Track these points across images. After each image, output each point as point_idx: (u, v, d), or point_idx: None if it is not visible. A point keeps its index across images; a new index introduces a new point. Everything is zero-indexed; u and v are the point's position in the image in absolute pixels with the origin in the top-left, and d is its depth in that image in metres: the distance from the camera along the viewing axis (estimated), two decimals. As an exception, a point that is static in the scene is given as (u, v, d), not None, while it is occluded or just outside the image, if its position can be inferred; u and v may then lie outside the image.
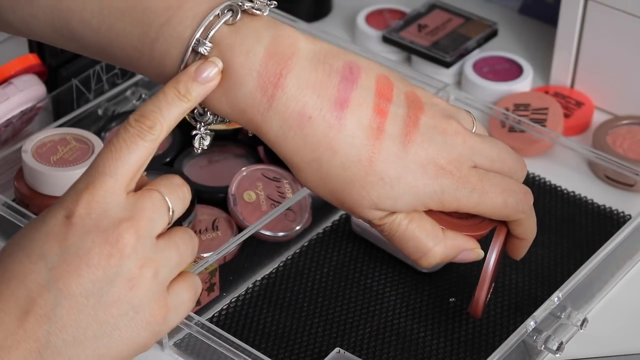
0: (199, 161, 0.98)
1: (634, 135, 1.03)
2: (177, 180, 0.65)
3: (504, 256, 0.77)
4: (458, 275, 0.90)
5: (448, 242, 0.71)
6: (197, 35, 0.66)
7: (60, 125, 0.96)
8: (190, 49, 0.67)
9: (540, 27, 1.19)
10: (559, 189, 0.99)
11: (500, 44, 1.15)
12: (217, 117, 0.69)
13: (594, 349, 0.85)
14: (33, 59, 1.00)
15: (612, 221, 0.96)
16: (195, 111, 0.69)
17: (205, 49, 0.66)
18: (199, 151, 0.71)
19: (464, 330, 0.86)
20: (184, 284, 0.64)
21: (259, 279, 0.90)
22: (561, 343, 0.81)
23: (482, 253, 0.74)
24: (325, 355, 0.82)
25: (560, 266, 0.91)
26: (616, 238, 0.87)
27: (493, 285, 0.79)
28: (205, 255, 0.88)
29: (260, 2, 0.68)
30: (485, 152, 0.71)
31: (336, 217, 0.95)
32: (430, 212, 0.71)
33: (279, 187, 0.94)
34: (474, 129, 0.72)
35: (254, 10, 0.67)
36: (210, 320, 0.86)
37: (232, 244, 0.87)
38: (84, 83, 1.01)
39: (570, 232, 0.94)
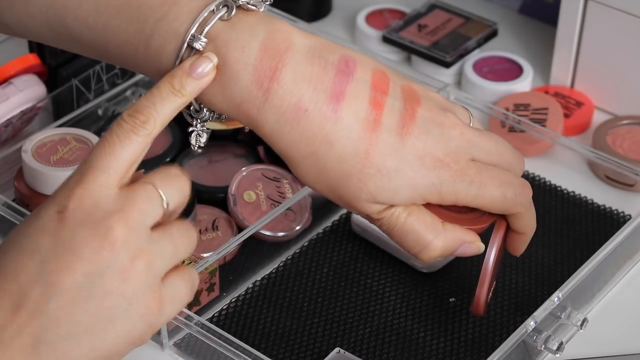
0: (199, 161, 0.98)
1: (634, 135, 1.03)
2: (173, 170, 0.64)
3: (504, 253, 0.77)
4: (458, 275, 0.90)
5: (448, 234, 0.71)
6: (192, 31, 0.67)
7: (60, 125, 0.96)
8: (186, 44, 0.67)
9: (540, 27, 1.19)
10: (559, 189, 0.99)
11: (500, 44, 1.15)
12: (214, 113, 0.69)
13: (594, 349, 0.85)
14: (33, 59, 1.00)
15: (612, 221, 0.96)
16: (191, 107, 0.69)
17: (201, 44, 0.67)
18: (196, 148, 0.71)
19: (464, 330, 0.86)
20: (179, 276, 0.64)
21: (259, 279, 0.90)
22: (561, 343, 0.81)
23: (482, 246, 0.73)
24: (325, 355, 0.82)
25: (560, 266, 0.91)
26: (616, 238, 0.87)
27: (494, 282, 0.78)
28: (205, 255, 0.88)
29: None
30: (483, 146, 0.71)
31: (336, 217, 0.95)
32: (429, 206, 0.71)
33: (279, 187, 0.94)
34: (471, 124, 0.72)
35: (249, 6, 0.68)
36: (210, 320, 0.86)
37: (232, 244, 0.87)
38: (84, 83, 1.01)
39: (570, 232, 0.94)
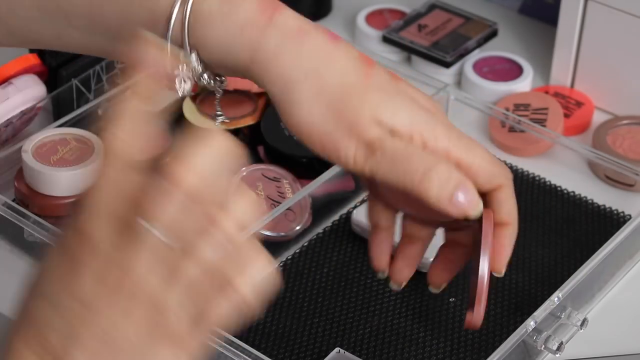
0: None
1: (634, 135, 1.03)
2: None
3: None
4: (458, 275, 0.90)
5: (451, 166, 0.71)
6: None
7: (60, 125, 0.96)
8: None
9: (540, 27, 1.19)
10: (559, 189, 0.99)
11: (500, 44, 1.15)
12: (202, 65, 0.70)
13: (594, 349, 0.85)
14: (33, 59, 1.00)
15: (612, 221, 0.96)
16: (183, 56, 0.70)
17: None
18: (180, 94, 0.70)
19: (464, 330, 0.86)
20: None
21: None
22: (561, 343, 0.81)
23: (480, 201, 0.72)
24: (325, 355, 0.82)
25: (560, 266, 0.91)
26: (616, 238, 0.87)
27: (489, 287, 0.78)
28: (205, 255, 0.87)
29: None
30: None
31: (336, 217, 0.95)
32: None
33: (279, 187, 0.94)
34: None
35: None
36: (210, 320, 0.86)
37: (232, 244, 0.87)
38: (84, 83, 1.01)
39: (570, 232, 0.94)
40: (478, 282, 0.74)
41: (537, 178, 1.00)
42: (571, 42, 1.06)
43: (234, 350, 0.79)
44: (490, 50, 1.13)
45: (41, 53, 1.01)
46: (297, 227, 0.92)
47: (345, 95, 0.69)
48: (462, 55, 1.11)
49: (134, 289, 0.53)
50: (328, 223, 0.95)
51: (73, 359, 0.54)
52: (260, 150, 0.98)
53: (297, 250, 0.92)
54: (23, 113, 0.98)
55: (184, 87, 0.70)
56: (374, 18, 1.17)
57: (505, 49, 1.14)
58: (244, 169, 0.94)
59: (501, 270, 0.75)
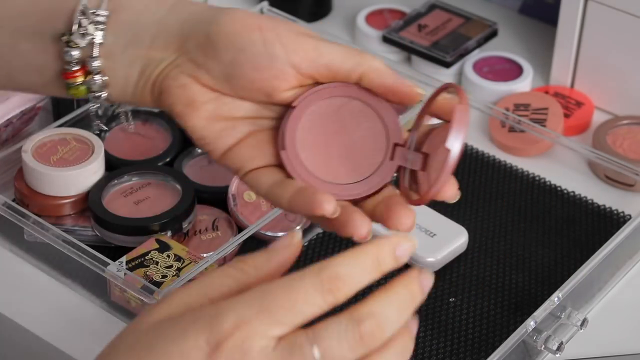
0: (199, 161, 0.98)
1: (634, 135, 1.03)
2: (354, 335, 0.56)
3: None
4: (458, 275, 0.90)
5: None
6: None
7: (60, 125, 0.96)
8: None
9: (540, 27, 1.19)
10: (559, 189, 0.99)
11: (500, 44, 1.15)
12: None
13: (594, 349, 0.85)
14: (33, 59, 1.00)
15: (612, 221, 0.96)
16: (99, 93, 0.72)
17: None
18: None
19: (464, 330, 0.86)
20: None
21: (259, 279, 0.90)
22: (561, 343, 0.81)
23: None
24: (325, 355, 0.82)
25: (560, 266, 0.91)
26: (616, 238, 0.87)
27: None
28: (205, 255, 0.88)
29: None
30: None
31: (336, 217, 0.95)
32: None
33: (279, 187, 0.94)
34: None
35: None
36: (210, 320, 0.86)
37: (232, 244, 0.87)
38: (84, 83, 1.01)
39: (570, 232, 0.94)
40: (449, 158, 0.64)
41: (537, 178, 1.00)
42: (571, 42, 1.06)
43: (234, 350, 0.79)
44: (490, 50, 1.13)
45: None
46: (297, 227, 0.92)
47: None
48: (462, 55, 1.11)
49: None
50: (328, 223, 0.95)
51: None
52: (260, 150, 0.98)
53: (297, 250, 0.92)
54: (23, 113, 0.98)
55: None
56: (374, 18, 1.17)
57: (505, 49, 1.14)
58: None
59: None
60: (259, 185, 0.69)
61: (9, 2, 0.74)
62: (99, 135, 0.95)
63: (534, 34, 1.18)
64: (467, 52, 1.11)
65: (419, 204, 0.67)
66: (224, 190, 0.93)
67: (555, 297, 0.82)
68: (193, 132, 0.70)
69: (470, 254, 0.92)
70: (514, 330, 0.81)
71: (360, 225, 0.66)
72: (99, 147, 0.93)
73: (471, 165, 1.01)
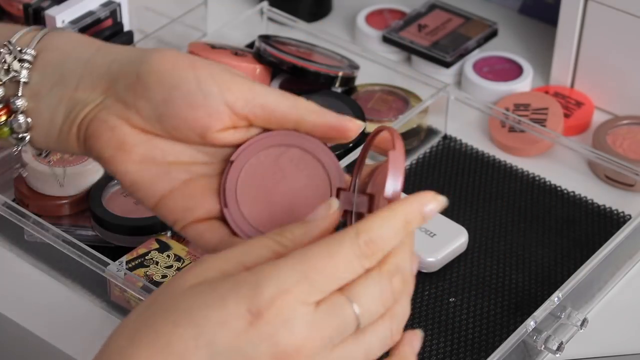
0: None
1: (634, 135, 1.03)
2: (391, 285, 0.59)
3: None
4: (458, 275, 0.90)
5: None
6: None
7: (60, 125, 0.96)
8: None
9: (540, 27, 1.19)
10: (559, 189, 0.99)
11: (500, 44, 1.15)
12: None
13: (594, 349, 0.85)
14: (33, 59, 0.99)
15: (612, 221, 0.96)
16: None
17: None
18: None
19: (464, 330, 0.86)
20: None
21: (259, 279, 0.89)
22: (561, 343, 0.81)
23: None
24: (325, 355, 0.82)
25: (560, 266, 0.91)
26: (616, 238, 0.87)
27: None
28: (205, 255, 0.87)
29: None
30: None
31: (336, 217, 0.95)
32: None
33: (279, 187, 0.94)
34: None
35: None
36: (210, 320, 0.86)
37: (232, 244, 0.87)
38: (84, 83, 1.01)
39: (570, 232, 0.94)
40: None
41: (537, 178, 1.00)
42: (571, 42, 1.06)
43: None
44: (490, 50, 1.13)
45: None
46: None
47: None
48: (462, 55, 1.11)
49: None
50: (328, 223, 0.95)
51: None
52: (260, 150, 0.98)
53: (297, 250, 0.92)
54: (23, 113, 0.98)
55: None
56: (374, 18, 1.17)
57: (505, 49, 1.14)
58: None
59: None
60: (205, 241, 0.67)
61: None
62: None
63: (534, 34, 1.18)
64: (467, 52, 1.11)
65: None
66: (224, 190, 0.93)
67: (555, 297, 0.82)
68: (124, 177, 0.67)
69: (470, 254, 0.92)
70: (514, 330, 0.81)
71: None
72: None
73: (471, 165, 1.01)
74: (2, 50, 0.70)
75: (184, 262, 0.86)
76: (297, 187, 0.67)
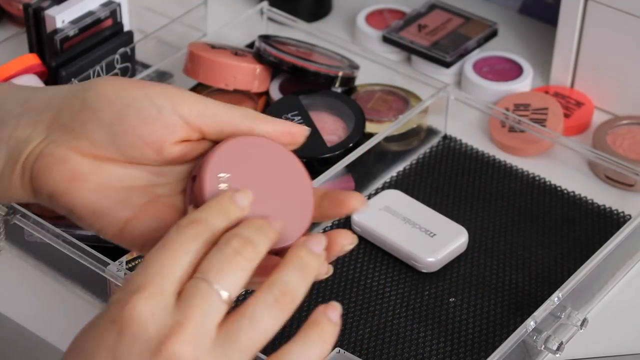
0: (199, 161, 0.98)
1: (634, 135, 1.03)
2: (231, 247, 0.60)
3: None
4: (458, 275, 0.90)
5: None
6: None
7: (60, 125, 0.96)
8: None
9: (540, 27, 1.19)
10: (559, 189, 0.99)
11: (500, 44, 1.15)
12: None
13: (594, 349, 0.85)
14: (33, 59, 1.00)
15: (612, 221, 0.96)
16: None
17: None
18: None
19: (464, 330, 0.86)
20: None
21: (259, 279, 0.90)
22: (561, 343, 0.81)
23: None
24: (325, 355, 0.82)
25: (560, 266, 0.91)
26: (616, 238, 0.87)
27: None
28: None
29: None
30: None
31: (336, 217, 0.95)
32: None
33: (279, 187, 0.94)
34: None
35: None
36: (210, 320, 0.86)
37: (232, 244, 0.87)
38: (84, 83, 1.01)
39: (570, 232, 0.94)
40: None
41: (537, 178, 1.00)
42: (571, 42, 1.06)
43: (234, 350, 0.79)
44: (490, 50, 1.13)
45: (41, 53, 1.01)
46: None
47: None
48: (462, 55, 1.11)
49: None
50: (328, 223, 0.95)
51: None
52: (260, 150, 0.98)
53: (297, 250, 0.92)
54: (23, 113, 0.98)
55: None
56: (374, 18, 1.17)
57: (505, 49, 1.14)
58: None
59: None
60: None
61: None
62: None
63: (534, 34, 1.18)
64: (467, 52, 1.11)
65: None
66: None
67: (555, 297, 0.82)
68: (84, 208, 0.66)
69: (470, 254, 0.92)
70: (514, 330, 0.81)
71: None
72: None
73: (471, 165, 1.01)
74: None
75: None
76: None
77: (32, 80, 0.98)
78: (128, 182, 0.67)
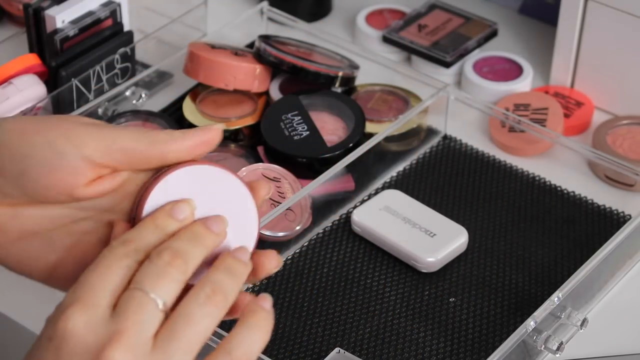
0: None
1: (634, 135, 1.03)
2: (163, 260, 0.61)
3: None
4: (458, 275, 0.90)
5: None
6: None
7: (60, 125, 0.96)
8: None
9: (540, 27, 1.19)
10: (559, 189, 0.99)
11: (500, 44, 1.15)
12: None
13: (594, 349, 0.85)
14: (33, 59, 1.00)
15: (612, 221, 0.96)
16: None
17: None
18: None
19: (464, 330, 0.86)
20: None
21: (259, 279, 0.90)
22: (561, 343, 0.81)
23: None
24: (325, 355, 0.82)
25: (560, 266, 0.91)
26: (616, 238, 0.87)
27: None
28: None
29: None
30: None
31: (336, 217, 0.95)
32: None
33: (279, 187, 0.94)
34: None
35: None
36: (210, 320, 0.86)
37: (232, 244, 0.87)
38: (84, 83, 1.01)
39: (570, 232, 0.94)
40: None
41: (537, 178, 1.00)
42: (571, 42, 1.06)
43: (234, 350, 0.79)
44: (490, 50, 1.13)
45: (41, 53, 1.01)
46: (297, 227, 0.92)
47: None
48: (462, 55, 1.11)
49: None
50: (328, 223, 0.95)
51: None
52: (260, 150, 0.98)
53: (297, 250, 0.92)
54: (23, 113, 0.98)
55: None
56: (374, 18, 1.17)
57: (505, 49, 1.14)
58: (244, 169, 0.94)
59: None
60: None
61: None
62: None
63: (534, 34, 1.18)
64: (467, 52, 1.11)
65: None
66: (224, 190, 0.93)
67: (555, 297, 0.82)
68: (7, 259, 0.65)
69: (470, 254, 0.92)
70: (514, 330, 0.81)
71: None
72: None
73: (471, 165, 1.01)
74: None
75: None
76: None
77: (32, 80, 0.99)
78: (48, 223, 0.66)
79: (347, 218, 0.95)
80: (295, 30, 1.11)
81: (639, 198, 0.98)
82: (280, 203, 0.92)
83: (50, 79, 1.01)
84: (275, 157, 0.97)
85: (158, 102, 1.07)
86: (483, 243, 0.93)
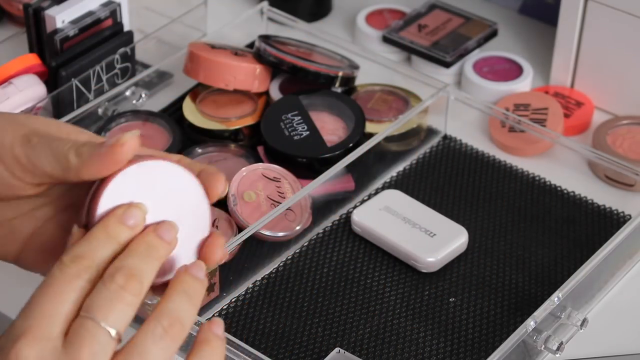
0: (199, 161, 0.98)
1: (634, 135, 1.03)
2: (116, 284, 0.59)
3: None
4: (458, 275, 0.90)
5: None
6: None
7: (60, 125, 0.96)
8: None
9: (540, 27, 1.19)
10: (559, 189, 0.99)
11: (500, 44, 1.15)
12: None
13: (594, 349, 0.85)
14: (33, 59, 1.00)
15: (612, 221, 0.96)
16: None
17: None
18: None
19: (464, 330, 0.86)
20: None
21: (259, 279, 0.90)
22: (561, 343, 0.81)
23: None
24: (325, 355, 0.82)
25: (560, 266, 0.91)
26: (616, 238, 0.87)
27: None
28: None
29: None
30: None
31: (336, 217, 0.95)
32: None
33: (279, 187, 0.94)
34: None
35: None
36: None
37: (232, 244, 0.87)
38: (84, 83, 1.01)
39: (570, 232, 0.94)
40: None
41: (537, 178, 1.00)
42: (571, 42, 1.06)
43: (234, 350, 0.79)
44: (490, 50, 1.13)
45: (41, 53, 1.01)
46: (297, 227, 0.92)
47: None
48: (462, 55, 1.11)
49: None
50: (328, 223, 0.95)
51: None
52: (260, 150, 0.98)
53: (297, 250, 0.92)
54: (23, 113, 0.98)
55: None
56: (374, 18, 1.17)
57: (505, 49, 1.14)
58: (244, 169, 0.94)
59: None
60: None
61: None
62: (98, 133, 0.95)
63: (534, 34, 1.18)
64: (467, 52, 1.11)
65: None
66: (224, 190, 0.93)
67: (555, 297, 0.82)
68: None
69: (470, 254, 0.92)
70: (514, 330, 0.81)
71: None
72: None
73: (471, 165, 1.01)
74: None
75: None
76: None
77: (32, 80, 0.99)
78: (9, 212, 0.66)
79: (347, 218, 0.95)
80: (295, 30, 1.11)
81: (639, 198, 0.98)
82: (280, 203, 0.92)
83: (50, 79, 1.01)
84: (275, 157, 0.97)
85: (158, 102, 1.07)
86: (483, 243, 0.93)
